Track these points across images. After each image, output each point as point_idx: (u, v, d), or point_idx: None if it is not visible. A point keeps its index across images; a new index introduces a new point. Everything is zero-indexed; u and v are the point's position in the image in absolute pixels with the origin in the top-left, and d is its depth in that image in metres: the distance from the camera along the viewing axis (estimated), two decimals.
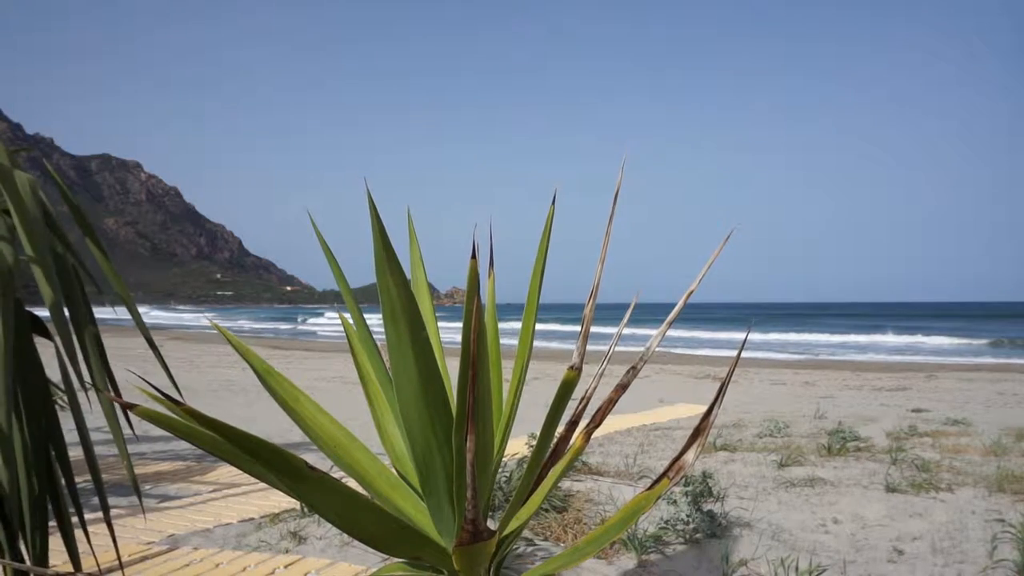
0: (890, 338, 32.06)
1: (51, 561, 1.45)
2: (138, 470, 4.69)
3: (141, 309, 1.59)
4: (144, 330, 1.57)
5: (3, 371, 1.20)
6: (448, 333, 2.42)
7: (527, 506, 1.49)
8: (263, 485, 4.12)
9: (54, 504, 1.38)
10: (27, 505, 1.29)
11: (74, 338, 1.36)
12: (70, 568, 1.38)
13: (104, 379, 1.39)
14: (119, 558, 1.55)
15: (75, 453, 1.54)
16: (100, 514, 3.48)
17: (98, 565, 1.68)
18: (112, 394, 1.30)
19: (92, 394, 1.46)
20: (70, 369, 1.34)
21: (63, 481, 1.41)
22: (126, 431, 1.44)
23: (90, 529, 2.96)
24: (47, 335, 1.44)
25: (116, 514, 3.52)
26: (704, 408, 1.30)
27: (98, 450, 5.06)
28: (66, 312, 1.33)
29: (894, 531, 3.43)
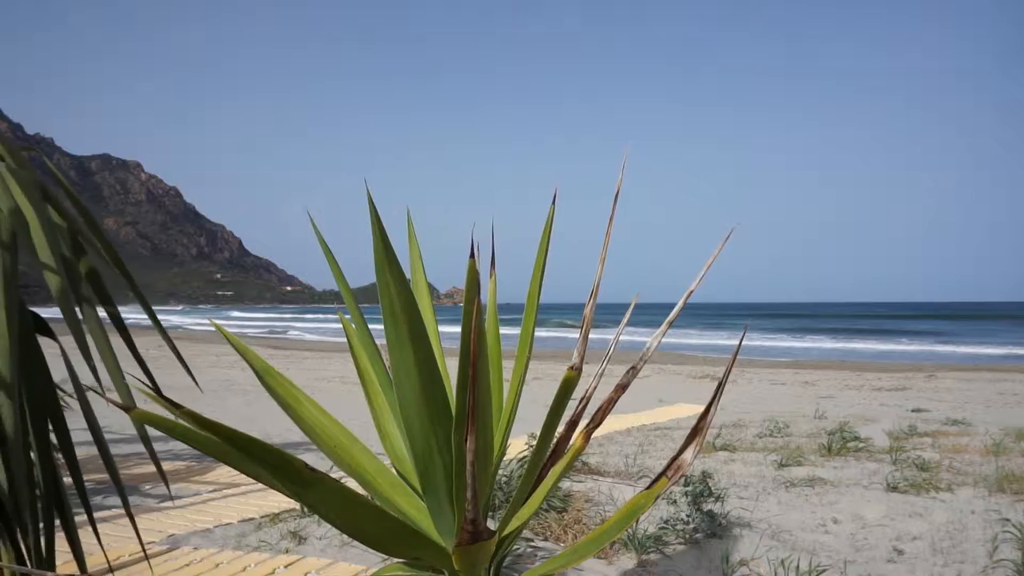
0: (889, 342, 32.02)
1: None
2: (138, 470, 4.69)
3: (124, 310, 1.59)
4: (161, 330, 1.56)
5: (9, 371, 1.20)
6: (448, 334, 2.43)
7: (527, 506, 1.49)
8: (263, 485, 4.12)
9: (58, 505, 1.38)
10: (31, 505, 1.29)
11: (72, 339, 1.35)
12: (68, 568, 1.38)
13: (119, 379, 1.38)
14: (108, 561, 1.55)
15: (82, 452, 1.54)
16: (104, 513, 3.48)
17: (108, 562, 1.68)
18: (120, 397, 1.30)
19: (94, 395, 1.46)
20: (87, 370, 1.34)
21: (67, 481, 1.41)
22: (134, 431, 1.44)
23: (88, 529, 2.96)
24: (52, 336, 1.44)
25: (117, 514, 3.52)
26: (703, 408, 1.30)
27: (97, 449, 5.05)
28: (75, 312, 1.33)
29: (894, 531, 3.43)
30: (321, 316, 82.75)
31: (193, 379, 1.67)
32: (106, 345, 1.39)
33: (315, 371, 14.35)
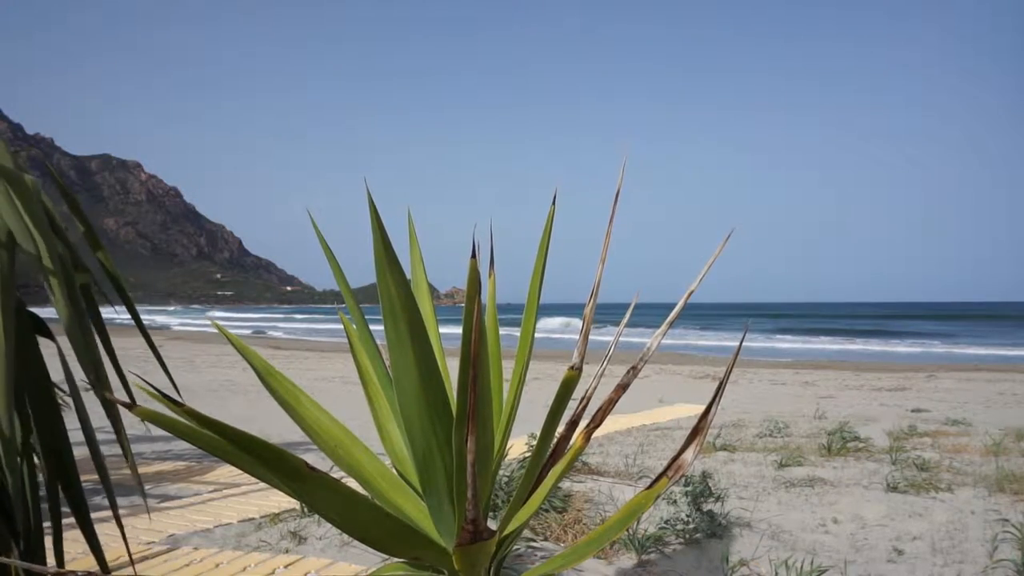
0: (889, 342, 31.99)
1: (48, 561, 1.45)
2: (139, 470, 4.69)
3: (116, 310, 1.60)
4: (143, 330, 1.57)
5: (3, 371, 1.20)
6: (449, 334, 2.43)
7: (527, 506, 1.49)
8: (263, 485, 4.12)
9: (53, 504, 1.38)
10: (30, 504, 1.29)
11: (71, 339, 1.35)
12: (64, 568, 1.38)
13: (106, 380, 1.39)
14: (115, 559, 1.55)
15: (79, 453, 1.54)
16: (102, 514, 3.48)
17: (104, 563, 1.68)
18: (114, 395, 1.30)
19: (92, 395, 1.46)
20: (89, 371, 1.34)
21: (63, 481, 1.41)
22: (136, 431, 1.44)
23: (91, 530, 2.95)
24: (50, 336, 1.45)
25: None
26: (703, 408, 1.30)
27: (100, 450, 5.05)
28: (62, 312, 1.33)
29: (894, 531, 3.44)
30: (310, 316, 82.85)
31: (171, 381, 1.67)
32: (102, 345, 1.39)
33: (315, 371, 14.35)
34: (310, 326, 51.39)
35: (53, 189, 1.65)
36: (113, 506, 1.43)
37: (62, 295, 1.30)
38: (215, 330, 1.86)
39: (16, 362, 1.27)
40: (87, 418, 1.41)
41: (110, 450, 5.13)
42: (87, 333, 1.35)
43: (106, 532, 3.20)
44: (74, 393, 1.39)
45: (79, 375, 1.43)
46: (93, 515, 1.45)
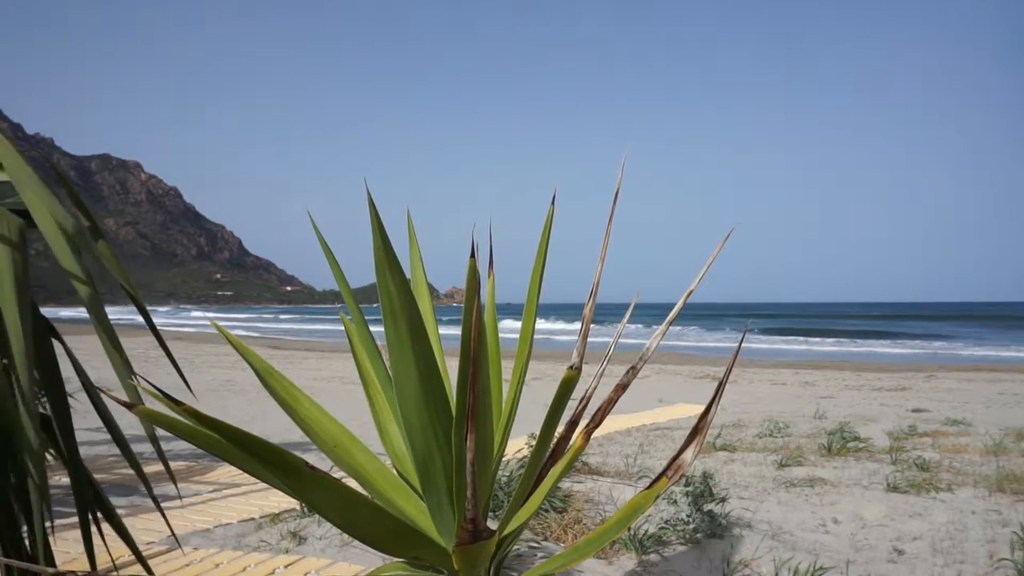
0: (889, 342, 31.98)
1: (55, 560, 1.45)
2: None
3: (115, 309, 1.60)
4: (158, 335, 1.57)
5: (26, 373, 1.20)
6: (448, 335, 2.42)
7: (527, 506, 1.49)
8: (263, 485, 4.12)
9: (80, 503, 1.39)
10: (40, 504, 1.30)
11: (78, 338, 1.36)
12: (70, 567, 1.39)
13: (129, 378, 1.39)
14: (139, 553, 1.55)
15: (88, 452, 1.54)
16: (119, 512, 3.48)
17: (113, 561, 1.69)
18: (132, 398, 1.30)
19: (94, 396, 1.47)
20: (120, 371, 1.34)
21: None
22: (135, 431, 1.44)
23: (91, 529, 2.95)
24: (58, 337, 1.45)
25: (118, 513, 3.52)
26: (703, 408, 1.30)
27: (99, 450, 5.06)
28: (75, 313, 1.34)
29: (894, 531, 3.44)
30: (299, 316, 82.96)
31: (184, 380, 1.68)
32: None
33: (315, 371, 14.35)
34: (296, 326, 51.36)
35: (56, 189, 1.66)
36: (155, 501, 1.44)
37: (91, 296, 1.30)
38: (212, 330, 1.87)
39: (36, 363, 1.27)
40: (111, 418, 1.42)
41: (110, 450, 5.14)
42: (113, 337, 1.36)
43: (108, 531, 3.20)
44: (94, 395, 1.39)
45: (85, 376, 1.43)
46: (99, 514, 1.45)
